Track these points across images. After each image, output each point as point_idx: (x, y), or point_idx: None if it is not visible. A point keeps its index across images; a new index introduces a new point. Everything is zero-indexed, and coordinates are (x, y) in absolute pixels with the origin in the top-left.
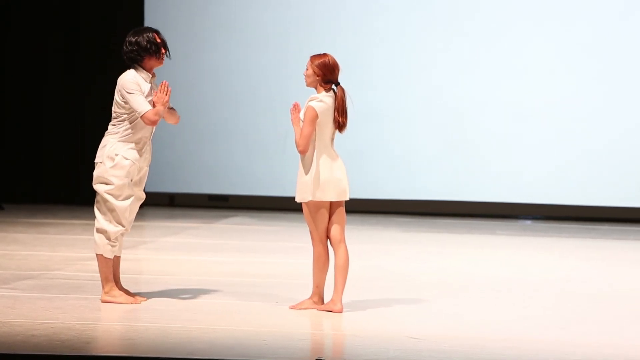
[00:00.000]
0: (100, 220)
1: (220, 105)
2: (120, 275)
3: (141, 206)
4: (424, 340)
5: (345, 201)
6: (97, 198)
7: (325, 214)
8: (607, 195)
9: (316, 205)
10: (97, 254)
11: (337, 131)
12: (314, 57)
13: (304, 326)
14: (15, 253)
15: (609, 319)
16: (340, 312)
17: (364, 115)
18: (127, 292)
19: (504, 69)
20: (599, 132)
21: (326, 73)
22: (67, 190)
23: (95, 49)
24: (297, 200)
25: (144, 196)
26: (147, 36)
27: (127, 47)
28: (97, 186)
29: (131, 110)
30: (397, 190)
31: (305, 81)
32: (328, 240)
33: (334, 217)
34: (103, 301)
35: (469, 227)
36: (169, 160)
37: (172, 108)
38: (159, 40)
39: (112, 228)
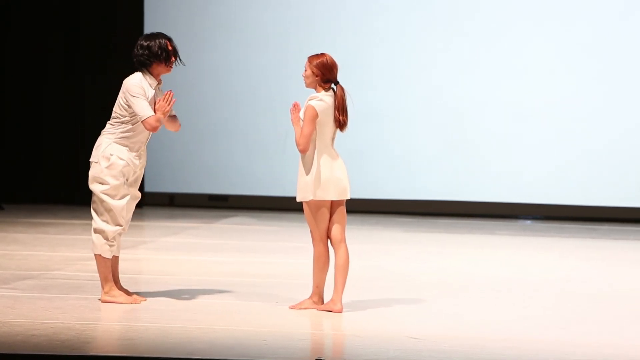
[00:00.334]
0: (97, 220)
1: (220, 105)
2: (120, 275)
3: (141, 206)
4: (424, 340)
5: (346, 201)
6: (94, 199)
7: (325, 213)
8: (607, 195)
9: (317, 205)
10: (95, 255)
11: (337, 130)
12: (311, 58)
13: (304, 326)
14: (15, 253)
15: (609, 319)
16: (340, 312)
17: (364, 115)
18: (126, 292)
19: (504, 69)
20: (599, 132)
21: (325, 72)
22: (67, 190)
23: (95, 49)
24: (298, 199)
25: (139, 195)
26: (159, 42)
27: (138, 51)
28: (93, 186)
29: (133, 114)
30: (397, 190)
31: (305, 82)
32: (328, 240)
33: (334, 217)
34: (103, 301)
35: (469, 227)
36: (169, 160)
37: (174, 116)
38: (170, 48)
39: (110, 228)
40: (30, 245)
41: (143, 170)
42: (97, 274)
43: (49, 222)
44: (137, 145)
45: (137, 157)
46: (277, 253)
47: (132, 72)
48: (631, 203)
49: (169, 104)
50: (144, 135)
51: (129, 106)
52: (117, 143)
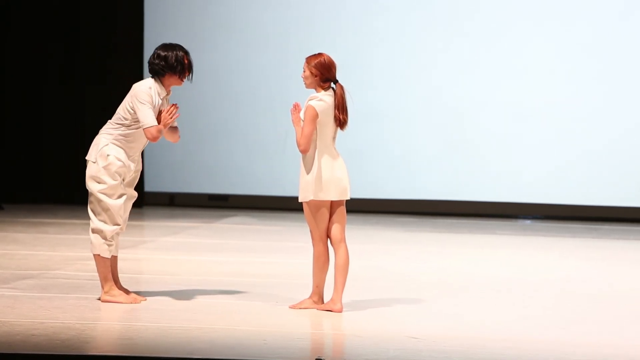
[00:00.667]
0: (95, 220)
1: (220, 105)
2: (120, 275)
3: (141, 206)
4: (424, 340)
5: (346, 201)
6: (91, 199)
7: (325, 213)
8: (607, 195)
9: (317, 205)
10: (94, 255)
11: (338, 129)
12: (309, 58)
13: (304, 326)
14: (15, 253)
15: (609, 319)
16: (340, 311)
17: (364, 115)
18: (126, 292)
19: (504, 69)
20: (599, 132)
21: (323, 72)
22: (67, 190)
23: (95, 49)
24: (300, 200)
25: (136, 194)
26: (177, 55)
27: (154, 59)
28: (90, 185)
29: (136, 119)
30: (397, 190)
31: (304, 83)
32: (328, 240)
33: (334, 217)
34: (103, 301)
35: (469, 227)
36: (169, 160)
37: (175, 127)
38: (186, 62)
39: (108, 227)
40: (30, 245)
41: (139, 173)
42: (97, 274)
43: (49, 222)
44: (132, 151)
45: (132, 162)
46: (277, 253)
47: (132, 72)
48: (631, 203)
49: (171, 117)
50: (142, 142)
51: (134, 111)
52: (114, 144)
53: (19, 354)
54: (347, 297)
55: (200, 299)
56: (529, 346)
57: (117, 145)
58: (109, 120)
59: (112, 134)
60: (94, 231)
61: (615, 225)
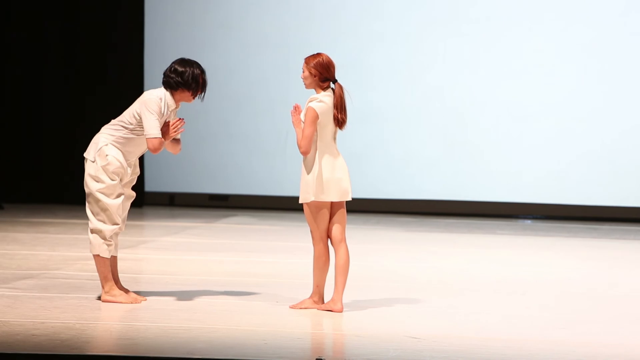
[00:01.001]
0: (94, 220)
1: (220, 106)
2: (121, 275)
3: (141, 205)
4: (424, 340)
5: (347, 201)
6: (89, 199)
7: (326, 214)
8: (607, 195)
9: (317, 206)
10: (93, 255)
11: (337, 129)
12: (308, 59)
13: (304, 326)
14: (15, 252)
15: (609, 319)
16: (341, 311)
17: (364, 115)
18: (126, 292)
19: (503, 69)
20: (599, 132)
21: (322, 72)
22: (67, 190)
23: (95, 49)
24: (300, 201)
25: (134, 194)
26: (194, 72)
27: (170, 72)
28: (89, 183)
29: (140, 125)
30: (397, 190)
31: (304, 83)
32: (328, 240)
33: (335, 217)
34: (103, 300)
35: (469, 227)
36: (169, 160)
37: (177, 139)
38: (201, 80)
39: (107, 227)
40: (30, 244)
41: (136, 176)
42: (97, 274)
43: (49, 222)
44: (130, 155)
45: (128, 166)
46: (277, 253)
47: (132, 72)
48: (631, 203)
49: (175, 131)
50: (141, 149)
51: (141, 117)
52: (113, 145)
53: (20, 354)
54: (347, 297)
55: (200, 299)
56: (529, 346)
57: (116, 147)
58: (113, 120)
59: (113, 135)
60: (93, 231)
61: (615, 225)
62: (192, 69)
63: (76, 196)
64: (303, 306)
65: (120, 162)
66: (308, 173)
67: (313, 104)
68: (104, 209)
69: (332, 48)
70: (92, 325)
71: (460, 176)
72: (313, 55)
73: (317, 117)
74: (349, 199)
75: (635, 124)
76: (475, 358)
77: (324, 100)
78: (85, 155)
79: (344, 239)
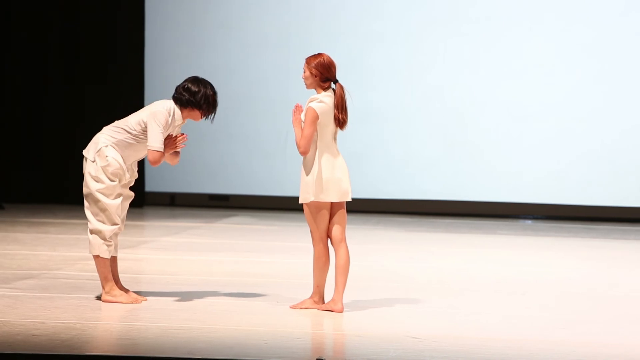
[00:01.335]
0: (93, 221)
1: (220, 105)
2: (121, 275)
3: (141, 206)
4: (425, 340)
5: (347, 201)
6: (88, 200)
7: (326, 214)
8: (607, 195)
9: (317, 206)
10: (93, 256)
11: (338, 129)
12: (309, 59)
13: (305, 326)
14: (16, 253)
15: (609, 319)
16: (341, 311)
17: (364, 115)
18: (127, 292)
19: (503, 69)
20: (599, 132)
21: (323, 72)
22: (67, 190)
23: (95, 49)
24: (300, 201)
25: (132, 194)
26: (206, 93)
27: (182, 89)
28: (90, 183)
29: (144, 133)
30: (397, 191)
31: (305, 83)
32: (329, 240)
33: (334, 218)
34: (104, 301)
35: (469, 227)
36: None
37: (177, 151)
38: (212, 102)
39: (107, 227)
40: (30, 244)
41: (134, 179)
42: (98, 274)
43: (49, 222)
44: (129, 159)
45: (128, 168)
46: (277, 253)
47: (132, 72)
48: (631, 203)
49: (176, 146)
50: (140, 155)
51: (146, 126)
52: (113, 147)
53: (20, 354)
54: (347, 297)
55: (200, 299)
56: (529, 346)
57: (116, 150)
58: (117, 122)
59: (114, 137)
60: (92, 232)
61: (615, 225)
62: (205, 89)
63: (77, 196)
64: (303, 306)
65: (120, 164)
66: (308, 173)
67: (313, 104)
68: (104, 210)
69: (332, 48)
70: (92, 325)
71: (460, 176)
72: (314, 55)
73: (317, 117)
74: (349, 199)
75: (635, 124)
76: (475, 358)
77: (324, 100)
78: (84, 153)
79: (344, 239)
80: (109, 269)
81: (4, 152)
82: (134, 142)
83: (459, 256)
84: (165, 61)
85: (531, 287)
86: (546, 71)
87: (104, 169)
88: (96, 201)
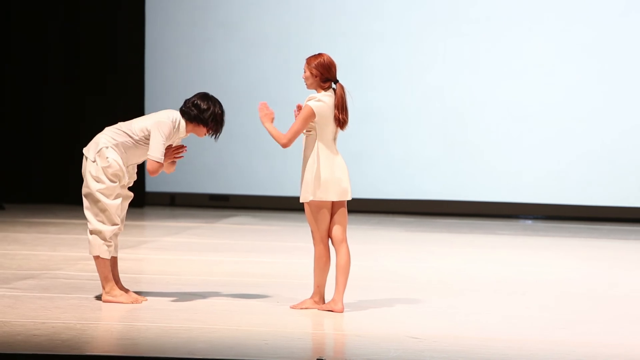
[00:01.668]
0: (93, 221)
1: None
2: (121, 275)
3: (142, 206)
4: (425, 340)
5: (347, 201)
6: (87, 200)
7: (326, 214)
8: (607, 195)
9: (318, 205)
10: (94, 256)
11: (339, 129)
12: (309, 59)
13: (305, 326)
14: (16, 253)
15: (609, 319)
16: (341, 311)
17: (364, 115)
18: (127, 292)
19: (503, 69)
20: (599, 132)
21: (324, 72)
22: (67, 190)
23: (95, 49)
24: (300, 200)
25: (132, 194)
26: (214, 111)
27: (191, 105)
28: (90, 183)
29: (145, 140)
30: (397, 191)
31: (305, 84)
32: (329, 240)
33: (335, 217)
34: (104, 301)
35: (469, 227)
36: None
37: (174, 161)
38: (219, 120)
39: (107, 228)
40: (31, 245)
41: (132, 181)
42: (98, 274)
43: (49, 222)
44: (127, 162)
45: (127, 171)
46: (277, 253)
47: (132, 72)
48: (631, 203)
49: (175, 157)
50: (139, 159)
51: (150, 134)
52: (113, 149)
53: (20, 354)
54: (348, 297)
55: (200, 299)
56: (529, 346)
57: (116, 152)
58: (120, 124)
59: (116, 140)
60: (92, 232)
61: (615, 225)
62: (214, 107)
63: (77, 196)
64: (304, 306)
65: (120, 166)
66: (308, 173)
67: (311, 103)
68: (103, 210)
69: (332, 48)
70: (92, 325)
71: (460, 176)
72: (314, 55)
73: (312, 115)
74: (349, 198)
75: (635, 124)
76: (475, 358)
77: (323, 99)
78: (84, 152)
79: (344, 239)
80: (109, 269)
81: (4, 152)
82: (135, 147)
83: (459, 256)
84: (165, 61)
85: (531, 287)
86: (546, 71)
87: (104, 169)
88: (96, 201)
